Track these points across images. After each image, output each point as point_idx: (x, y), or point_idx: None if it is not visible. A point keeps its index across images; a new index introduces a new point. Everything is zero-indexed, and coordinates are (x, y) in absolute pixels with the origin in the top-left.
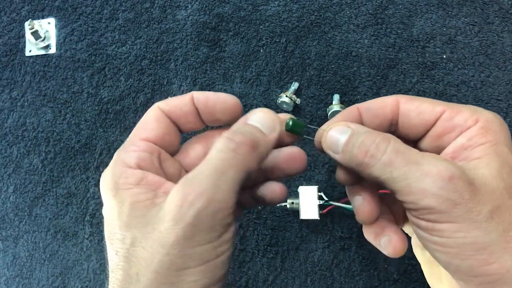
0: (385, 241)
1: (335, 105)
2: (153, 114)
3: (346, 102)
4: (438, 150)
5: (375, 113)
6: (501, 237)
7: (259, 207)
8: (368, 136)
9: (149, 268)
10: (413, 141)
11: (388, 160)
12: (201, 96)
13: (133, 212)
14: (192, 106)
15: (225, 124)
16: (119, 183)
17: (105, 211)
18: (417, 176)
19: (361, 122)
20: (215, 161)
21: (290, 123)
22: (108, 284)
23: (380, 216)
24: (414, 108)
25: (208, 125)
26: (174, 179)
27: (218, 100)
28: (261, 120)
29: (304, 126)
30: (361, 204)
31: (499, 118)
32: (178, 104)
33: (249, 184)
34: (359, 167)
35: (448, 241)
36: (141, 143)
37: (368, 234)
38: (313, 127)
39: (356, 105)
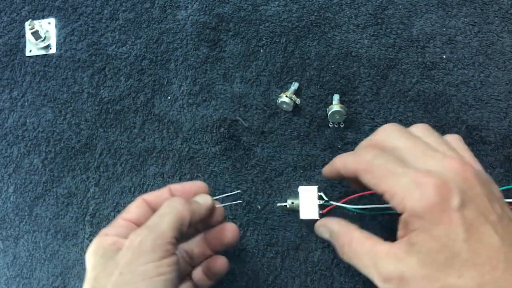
0: None
1: (335, 105)
2: (135, 202)
3: (346, 102)
4: None
5: (344, 175)
6: None
7: (259, 207)
8: (340, 240)
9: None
10: None
11: (350, 260)
12: (178, 186)
13: (102, 258)
14: (170, 194)
15: None
16: (99, 246)
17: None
18: (368, 275)
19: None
20: (158, 212)
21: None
22: None
23: None
24: (366, 182)
25: None
26: None
27: (192, 185)
28: (199, 197)
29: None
30: None
31: (424, 202)
32: (158, 194)
33: (199, 261)
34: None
35: None
36: (121, 221)
37: None
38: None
39: (335, 162)
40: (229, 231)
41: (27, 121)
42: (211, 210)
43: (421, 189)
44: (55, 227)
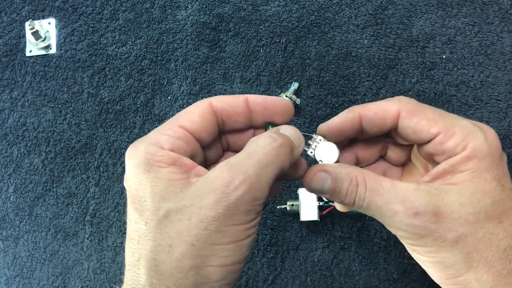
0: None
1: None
2: (201, 108)
3: (346, 102)
4: (428, 160)
5: (374, 124)
6: (465, 258)
7: None
8: (350, 185)
9: (185, 240)
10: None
11: (367, 204)
12: (258, 99)
13: (169, 188)
14: (246, 107)
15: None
16: (153, 161)
17: (130, 183)
18: (389, 215)
19: (360, 127)
20: (258, 154)
21: None
22: (128, 254)
23: None
24: (412, 126)
25: (254, 126)
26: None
27: (276, 103)
28: (293, 134)
29: None
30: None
31: (489, 141)
32: (232, 103)
33: None
34: (351, 208)
35: (423, 258)
36: (179, 130)
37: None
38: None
39: (358, 110)
40: (302, 165)
41: (27, 121)
42: None
43: (485, 133)
44: (55, 227)
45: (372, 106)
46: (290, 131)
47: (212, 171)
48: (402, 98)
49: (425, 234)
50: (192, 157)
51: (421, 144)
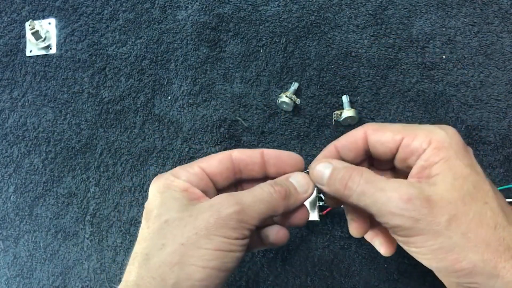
0: (377, 243)
1: (347, 110)
2: (221, 155)
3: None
4: (407, 169)
5: (349, 149)
6: (462, 239)
7: None
8: (346, 172)
9: (176, 241)
10: (389, 161)
11: (361, 190)
12: (272, 153)
13: (176, 203)
14: (261, 158)
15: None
16: (169, 185)
17: (148, 201)
18: (384, 201)
19: (340, 157)
20: (255, 192)
21: None
22: (132, 253)
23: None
24: (378, 139)
25: (268, 176)
26: None
27: (288, 157)
28: (300, 181)
29: None
30: (351, 223)
31: (450, 135)
32: (249, 153)
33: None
34: (341, 197)
35: (422, 249)
36: (197, 168)
37: (366, 236)
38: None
39: (333, 143)
40: (302, 213)
41: (28, 121)
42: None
43: (445, 130)
44: (55, 227)
45: (343, 137)
46: (298, 178)
47: (215, 197)
48: (367, 124)
49: (419, 218)
50: (203, 192)
51: (394, 156)
